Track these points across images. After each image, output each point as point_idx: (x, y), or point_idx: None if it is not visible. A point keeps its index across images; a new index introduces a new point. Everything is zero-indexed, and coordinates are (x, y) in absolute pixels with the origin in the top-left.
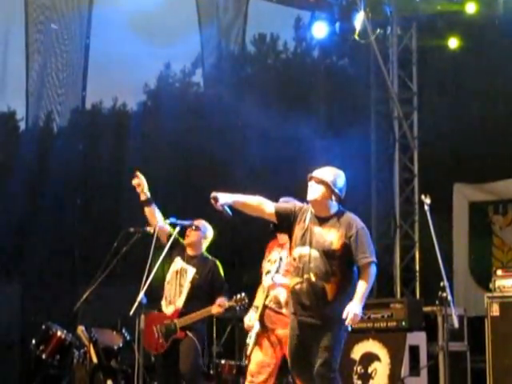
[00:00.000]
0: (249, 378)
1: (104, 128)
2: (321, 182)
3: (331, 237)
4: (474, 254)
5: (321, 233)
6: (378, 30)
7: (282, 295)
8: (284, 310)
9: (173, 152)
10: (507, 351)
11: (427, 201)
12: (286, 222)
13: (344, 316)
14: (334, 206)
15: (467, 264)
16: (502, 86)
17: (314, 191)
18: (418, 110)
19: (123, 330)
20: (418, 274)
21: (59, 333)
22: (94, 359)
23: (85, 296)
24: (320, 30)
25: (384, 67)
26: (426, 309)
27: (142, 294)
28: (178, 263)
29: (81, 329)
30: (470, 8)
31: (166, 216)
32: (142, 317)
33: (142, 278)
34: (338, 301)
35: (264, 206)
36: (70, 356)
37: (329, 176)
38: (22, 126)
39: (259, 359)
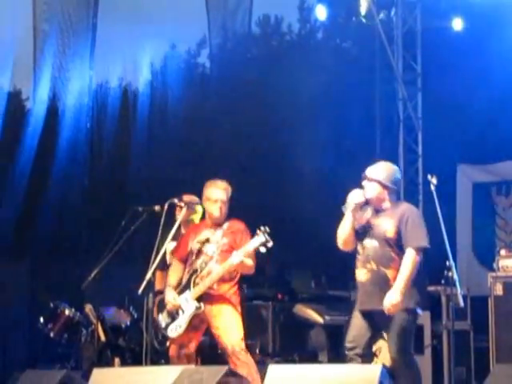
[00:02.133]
0: (171, 361)
1: (110, 107)
2: (373, 179)
3: (387, 226)
4: (478, 234)
5: (378, 223)
6: (383, 12)
7: (216, 271)
8: (215, 286)
9: (178, 132)
10: (510, 330)
11: (434, 181)
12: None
13: (384, 305)
14: (389, 199)
15: (470, 244)
16: (506, 67)
17: (369, 190)
18: (423, 91)
19: (131, 309)
20: None
21: (67, 311)
22: (102, 337)
23: (93, 275)
24: (322, 12)
25: (389, 49)
26: (430, 288)
27: (150, 273)
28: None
29: (89, 307)
30: None
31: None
32: (151, 295)
33: (149, 257)
34: None
35: None
36: (78, 334)
37: (381, 173)
38: (28, 105)
39: (179, 342)
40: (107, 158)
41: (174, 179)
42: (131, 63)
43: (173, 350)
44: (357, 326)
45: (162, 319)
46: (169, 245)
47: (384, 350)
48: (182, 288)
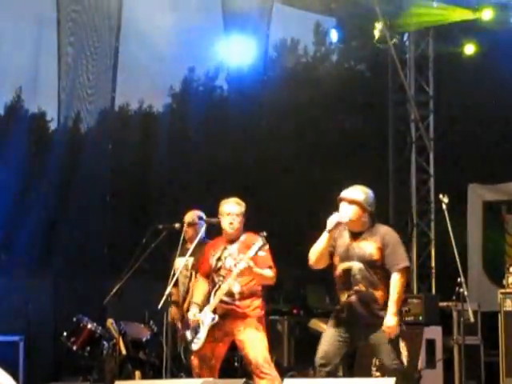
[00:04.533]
0: (193, 371)
1: (132, 128)
2: (353, 201)
3: (370, 249)
4: (488, 251)
5: (360, 246)
6: (396, 37)
7: (236, 288)
8: (237, 302)
9: (198, 152)
10: None
11: (445, 200)
12: (333, 251)
13: (384, 330)
14: (367, 222)
15: (481, 261)
16: None
17: (347, 211)
18: (434, 112)
19: (151, 323)
20: (433, 270)
21: (89, 325)
22: (123, 351)
23: (114, 290)
24: (336, 35)
25: (401, 72)
26: (442, 304)
27: (169, 288)
28: (178, 262)
29: (110, 321)
30: (486, 15)
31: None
32: (170, 310)
33: (169, 273)
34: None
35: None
36: (100, 348)
37: (360, 195)
38: (52, 126)
39: (201, 353)
40: (129, 177)
41: (194, 198)
42: (151, 86)
43: (195, 362)
44: (329, 343)
45: (189, 335)
46: (177, 260)
47: None
48: (205, 303)
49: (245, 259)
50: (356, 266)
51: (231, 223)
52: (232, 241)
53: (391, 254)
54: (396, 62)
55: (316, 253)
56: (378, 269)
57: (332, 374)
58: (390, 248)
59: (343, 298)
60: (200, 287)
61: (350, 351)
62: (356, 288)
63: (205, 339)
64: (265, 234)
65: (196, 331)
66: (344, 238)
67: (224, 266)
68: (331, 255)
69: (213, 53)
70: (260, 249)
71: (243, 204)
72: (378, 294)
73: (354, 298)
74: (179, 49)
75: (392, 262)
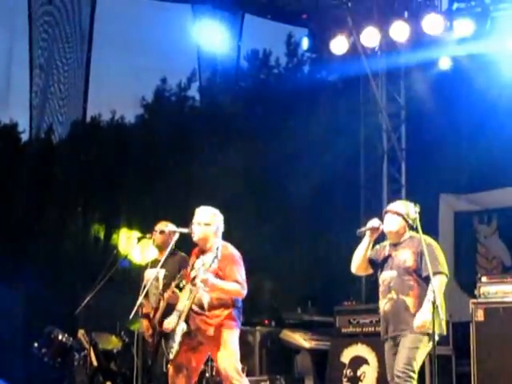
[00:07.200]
0: (169, 381)
1: (103, 139)
2: (396, 213)
3: (405, 256)
4: (459, 261)
5: (397, 255)
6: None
7: (206, 298)
8: (207, 313)
9: (169, 164)
10: (491, 355)
11: (417, 209)
12: (376, 262)
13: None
14: (407, 233)
15: (452, 271)
16: (489, 100)
17: (392, 223)
18: (406, 123)
19: (122, 334)
20: None
21: (60, 336)
22: (94, 362)
23: (85, 301)
24: (307, 43)
25: (373, 81)
26: None
27: (140, 299)
28: (149, 274)
29: (81, 332)
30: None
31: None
32: (142, 321)
33: (140, 284)
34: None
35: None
36: (71, 359)
37: (404, 209)
38: (24, 137)
39: (177, 363)
40: (100, 186)
41: (164, 209)
42: (123, 96)
43: (171, 371)
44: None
45: (169, 343)
46: (147, 271)
47: (368, 376)
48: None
49: (200, 274)
50: (391, 273)
51: (193, 232)
52: (204, 250)
53: (425, 259)
54: (368, 72)
55: (356, 259)
56: (411, 275)
57: None
58: (424, 253)
59: (380, 306)
60: (184, 294)
61: None
62: (389, 296)
63: (179, 347)
64: (219, 245)
65: (172, 340)
66: (386, 250)
67: (198, 276)
68: (373, 266)
69: (184, 63)
70: (213, 261)
71: (213, 213)
72: (409, 300)
73: (386, 306)
74: (151, 59)
75: (425, 267)
